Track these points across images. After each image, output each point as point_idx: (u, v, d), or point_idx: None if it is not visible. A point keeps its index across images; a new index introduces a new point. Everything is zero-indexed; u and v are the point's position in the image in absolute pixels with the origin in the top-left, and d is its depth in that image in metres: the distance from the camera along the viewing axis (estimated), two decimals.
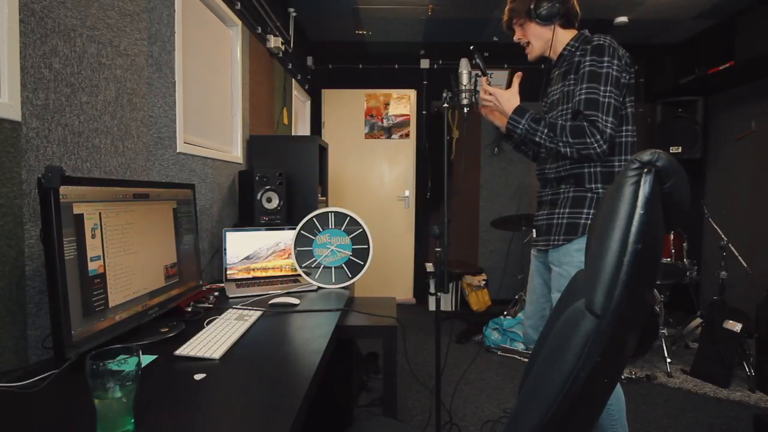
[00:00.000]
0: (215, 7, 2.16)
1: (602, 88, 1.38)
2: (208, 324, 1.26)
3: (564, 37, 1.55)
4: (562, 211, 1.51)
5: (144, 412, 0.75)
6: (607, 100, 1.37)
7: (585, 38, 1.51)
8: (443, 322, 3.61)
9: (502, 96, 1.53)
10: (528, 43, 1.61)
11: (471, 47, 1.75)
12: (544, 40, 1.57)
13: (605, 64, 1.39)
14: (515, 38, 1.64)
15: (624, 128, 1.46)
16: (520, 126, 1.47)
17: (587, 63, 1.41)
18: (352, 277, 1.80)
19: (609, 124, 1.36)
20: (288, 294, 1.63)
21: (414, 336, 3.53)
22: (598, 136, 1.36)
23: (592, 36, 1.47)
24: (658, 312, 2.94)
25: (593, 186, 1.46)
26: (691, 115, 3.84)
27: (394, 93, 4.58)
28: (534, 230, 1.65)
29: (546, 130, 1.43)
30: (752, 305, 2.68)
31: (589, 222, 1.44)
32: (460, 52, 1.97)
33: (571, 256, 1.46)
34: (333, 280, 1.80)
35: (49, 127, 1.10)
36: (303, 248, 1.80)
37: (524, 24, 1.58)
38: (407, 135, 4.61)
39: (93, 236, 0.96)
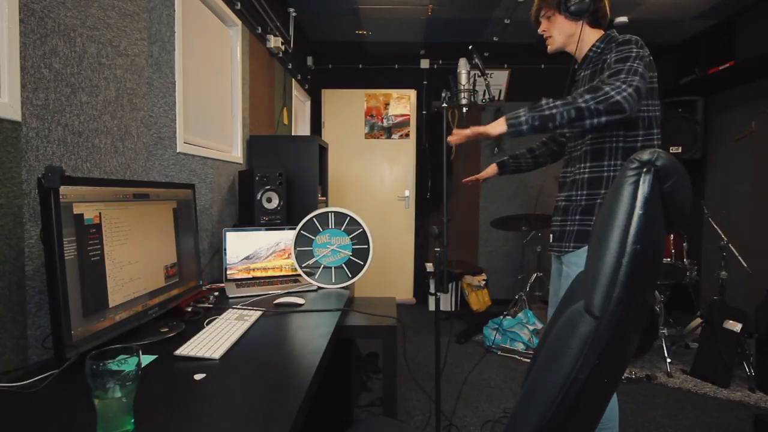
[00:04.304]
0: (215, 7, 2.16)
1: (629, 62, 1.32)
2: (208, 324, 1.26)
3: (590, 36, 1.52)
4: (573, 218, 1.51)
5: (144, 412, 0.75)
6: (633, 66, 1.30)
7: (611, 38, 1.47)
8: (443, 322, 3.62)
9: (482, 127, 1.45)
10: (550, 36, 1.58)
11: (470, 47, 1.74)
12: (567, 35, 1.54)
13: (633, 49, 1.35)
14: (540, 30, 1.61)
15: (649, 101, 1.40)
16: (522, 115, 1.36)
17: (614, 53, 1.38)
18: (352, 277, 1.80)
19: (635, 81, 1.28)
20: (289, 294, 1.63)
21: (414, 336, 3.53)
22: (619, 83, 1.27)
23: (618, 35, 1.44)
24: (658, 312, 2.94)
25: (605, 192, 1.44)
26: (691, 115, 3.84)
27: (394, 93, 4.58)
28: (551, 235, 1.66)
29: (552, 101, 1.33)
30: (752, 305, 2.68)
31: None
32: (460, 52, 1.97)
33: (581, 258, 1.47)
34: (333, 280, 1.80)
35: (49, 127, 1.10)
36: (303, 248, 1.80)
37: (552, 16, 1.55)
38: (407, 135, 4.61)
39: (93, 236, 0.96)
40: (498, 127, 1.39)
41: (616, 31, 1.50)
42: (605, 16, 1.52)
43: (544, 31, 1.59)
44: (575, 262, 1.49)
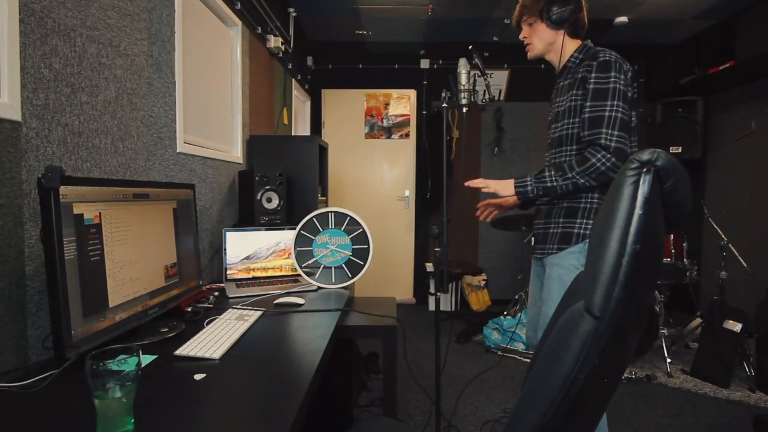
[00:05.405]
0: (215, 7, 2.16)
1: (608, 104, 1.39)
2: (208, 324, 1.26)
3: (569, 46, 1.56)
4: (556, 221, 1.55)
5: (144, 412, 0.75)
6: (612, 114, 1.38)
7: (588, 51, 1.52)
8: (443, 322, 3.62)
9: (495, 182, 1.57)
10: (530, 42, 1.61)
11: (470, 47, 1.75)
12: (547, 42, 1.58)
13: (611, 80, 1.40)
14: (521, 36, 1.64)
15: (631, 112, 1.46)
16: (528, 184, 1.49)
17: (592, 80, 1.42)
18: (352, 277, 1.80)
19: (614, 138, 1.37)
20: (289, 294, 1.63)
21: (414, 336, 3.53)
22: (603, 152, 1.37)
23: (597, 49, 1.48)
24: (658, 312, 2.95)
25: (587, 196, 1.48)
26: (691, 115, 3.84)
27: (394, 93, 4.58)
28: (533, 238, 1.68)
29: (553, 173, 1.45)
30: (752, 305, 2.68)
31: (582, 231, 1.48)
32: (460, 52, 1.96)
33: (563, 259, 1.50)
34: (333, 280, 1.80)
35: (49, 127, 1.10)
36: (303, 248, 1.80)
37: (533, 23, 1.58)
38: (407, 135, 4.61)
39: (93, 236, 0.96)
40: (507, 190, 1.54)
41: (590, 42, 1.55)
42: (583, 27, 1.57)
43: (525, 37, 1.62)
44: (558, 263, 1.51)
